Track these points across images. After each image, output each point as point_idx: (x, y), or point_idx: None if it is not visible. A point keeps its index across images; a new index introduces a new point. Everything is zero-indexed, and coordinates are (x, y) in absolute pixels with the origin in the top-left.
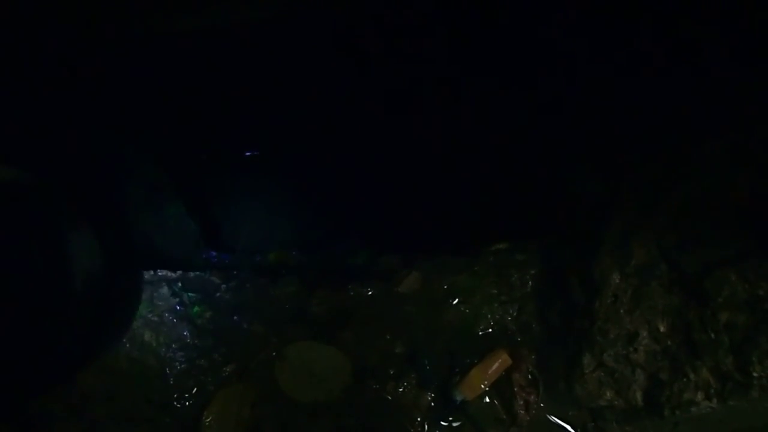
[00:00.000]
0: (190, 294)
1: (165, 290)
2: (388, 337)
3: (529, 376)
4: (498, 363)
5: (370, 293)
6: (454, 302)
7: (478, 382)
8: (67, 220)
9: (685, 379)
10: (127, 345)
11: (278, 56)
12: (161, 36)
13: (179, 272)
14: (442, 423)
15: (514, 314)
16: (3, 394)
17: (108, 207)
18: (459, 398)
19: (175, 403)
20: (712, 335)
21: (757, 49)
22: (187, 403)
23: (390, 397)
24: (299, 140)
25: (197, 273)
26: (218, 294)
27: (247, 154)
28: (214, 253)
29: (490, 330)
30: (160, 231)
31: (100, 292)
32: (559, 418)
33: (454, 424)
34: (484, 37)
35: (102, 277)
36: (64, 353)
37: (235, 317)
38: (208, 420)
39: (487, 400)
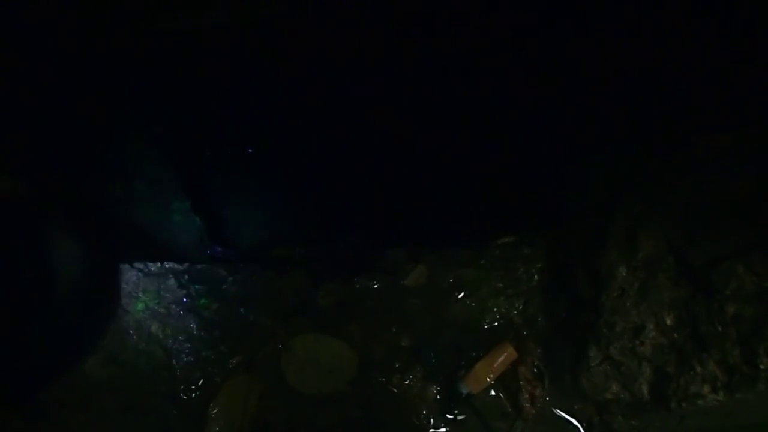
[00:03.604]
0: (196, 286)
1: (172, 282)
2: (394, 330)
3: (535, 370)
4: (504, 356)
5: (376, 286)
6: (460, 296)
7: (484, 376)
8: (48, 223)
9: (691, 372)
10: (135, 336)
11: (282, 53)
12: (166, 34)
13: (186, 264)
14: (448, 416)
15: (520, 308)
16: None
17: (94, 206)
18: (464, 391)
19: (181, 394)
20: (719, 328)
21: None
22: (193, 395)
23: (396, 390)
24: (304, 136)
25: (204, 265)
26: (225, 286)
27: (250, 150)
28: (218, 249)
29: (496, 323)
30: (163, 227)
31: (81, 295)
32: (564, 412)
33: (460, 417)
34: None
35: (83, 279)
36: (45, 356)
37: (242, 309)
38: (215, 411)
39: (493, 393)
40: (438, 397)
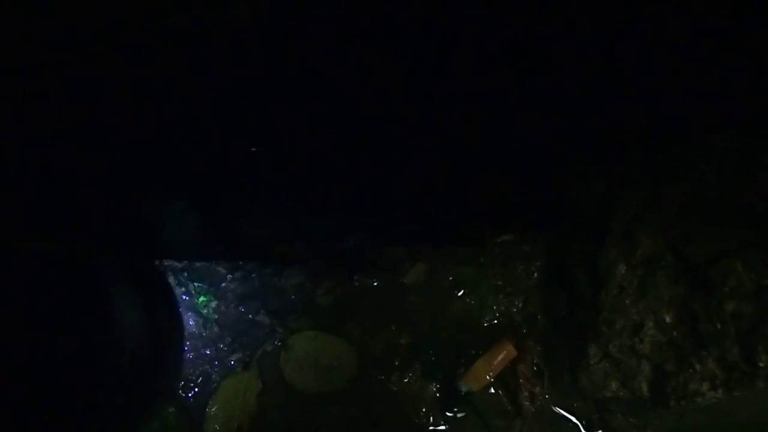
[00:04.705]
0: (195, 284)
1: (171, 280)
2: (394, 327)
3: (535, 368)
4: (503, 354)
5: (375, 284)
6: (460, 293)
7: (483, 374)
8: (108, 286)
9: (690, 370)
10: None
11: (279, 50)
12: (161, 32)
13: (185, 262)
14: (447, 414)
15: (520, 306)
16: None
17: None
18: (464, 389)
19: (180, 392)
20: (718, 325)
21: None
22: (192, 393)
23: (395, 388)
24: (305, 134)
25: (203, 263)
26: (224, 284)
27: (253, 149)
28: (218, 247)
29: (496, 321)
30: (162, 224)
31: (147, 354)
32: (564, 410)
33: (459, 416)
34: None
35: (148, 339)
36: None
37: (241, 307)
38: (213, 409)
39: (492, 391)
40: (437, 395)
